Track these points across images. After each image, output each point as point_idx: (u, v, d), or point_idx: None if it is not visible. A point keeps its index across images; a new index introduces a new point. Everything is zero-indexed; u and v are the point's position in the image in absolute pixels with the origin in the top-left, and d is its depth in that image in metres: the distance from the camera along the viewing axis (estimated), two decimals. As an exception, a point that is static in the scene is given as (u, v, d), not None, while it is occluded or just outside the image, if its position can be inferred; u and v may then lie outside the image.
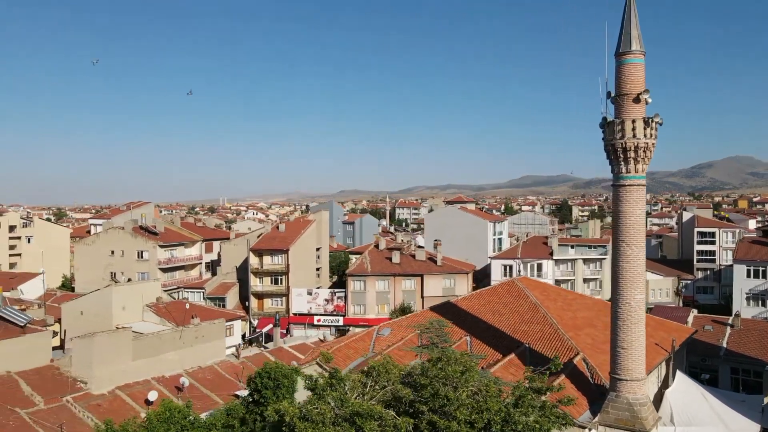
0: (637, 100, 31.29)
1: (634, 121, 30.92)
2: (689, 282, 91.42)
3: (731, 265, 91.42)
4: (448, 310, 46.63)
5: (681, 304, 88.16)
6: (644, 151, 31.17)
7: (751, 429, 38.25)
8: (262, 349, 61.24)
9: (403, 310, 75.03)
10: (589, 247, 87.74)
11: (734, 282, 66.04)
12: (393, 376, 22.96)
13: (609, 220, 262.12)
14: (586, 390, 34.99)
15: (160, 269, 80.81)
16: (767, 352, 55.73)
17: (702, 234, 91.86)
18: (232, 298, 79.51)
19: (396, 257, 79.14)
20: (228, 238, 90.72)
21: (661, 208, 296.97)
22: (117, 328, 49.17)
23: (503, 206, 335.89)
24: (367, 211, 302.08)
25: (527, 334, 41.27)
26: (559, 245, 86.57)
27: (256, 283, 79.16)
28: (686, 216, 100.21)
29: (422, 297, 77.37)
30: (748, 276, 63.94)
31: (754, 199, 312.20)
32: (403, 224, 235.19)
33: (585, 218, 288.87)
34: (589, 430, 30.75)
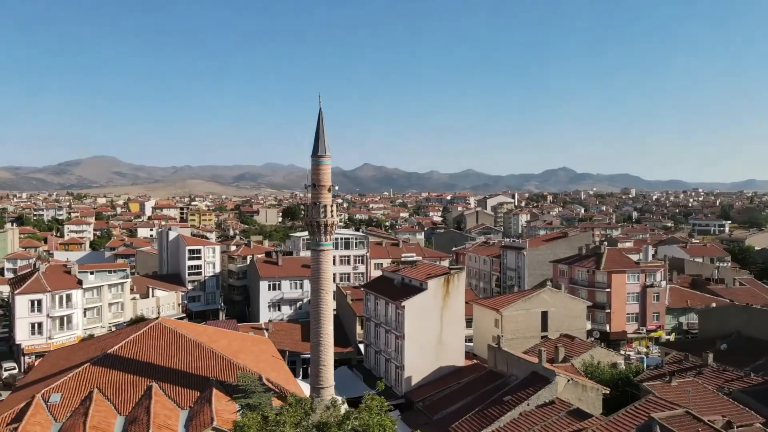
0: (329, 190, 44.66)
1: (332, 206, 44.25)
2: (183, 293, 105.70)
3: (214, 276, 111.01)
4: (116, 361, 47.52)
5: (183, 314, 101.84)
6: (334, 227, 44.81)
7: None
8: None
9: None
10: (110, 272, 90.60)
11: (260, 294, 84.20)
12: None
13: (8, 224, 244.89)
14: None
15: None
16: (298, 344, 75.97)
17: (192, 251, 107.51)
18: None
19: None
20: None
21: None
22: None
23: None
24: None
25: (207, 369, 48.06)
26: (79, 272, 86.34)
27: None
28: (172, 235, 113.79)
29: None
30: (269, 289, 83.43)
31: (148, 203, 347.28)
32: None
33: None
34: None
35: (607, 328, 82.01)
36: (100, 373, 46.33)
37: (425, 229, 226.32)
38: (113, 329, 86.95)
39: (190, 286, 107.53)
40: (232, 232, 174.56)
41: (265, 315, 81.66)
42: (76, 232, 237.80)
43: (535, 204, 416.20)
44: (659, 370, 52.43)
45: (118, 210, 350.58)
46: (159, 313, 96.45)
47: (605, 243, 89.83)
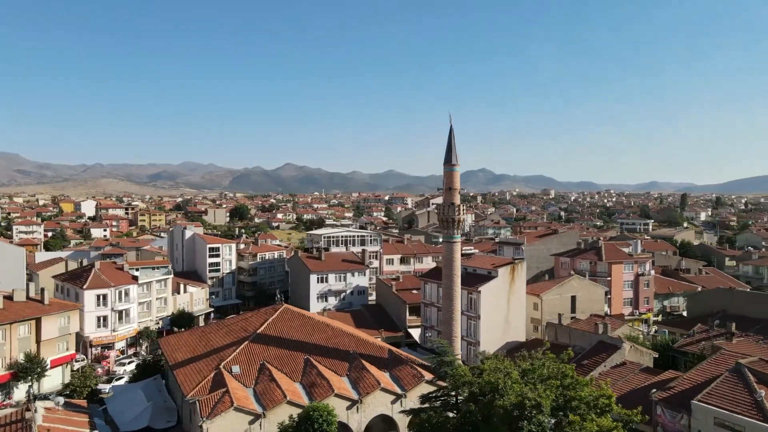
0: (459, 192, 54.19)
1: (461, 205, 53.77)
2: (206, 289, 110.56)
3: (231, 273, 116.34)
4: (267, 339, 54.82)
5: (211, 308, 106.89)
6: (462, 223, 54.37)
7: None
8: None
9: (31, 359, 66.33)
10: (153, 268, 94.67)
11: (310, 287, 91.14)
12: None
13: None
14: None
15: None
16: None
17: (212, 249, 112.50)
18: None
19: (-2, 302, 67.09)
20: None
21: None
22: None
23: None
24: None
25: (344, 344, 56.27)
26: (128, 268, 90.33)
27: None
28: (187, 234, 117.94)
29: (38, 342, 69.15)
30: (317, 282, 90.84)
31: (85, 203, 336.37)
32: None
33: None
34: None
35: (608, 311, 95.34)
36: (260, 349, 53.59)
37: (377, 228, 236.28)
38: (160, 322, 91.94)
39: (209, 283, 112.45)
40: (241, 234, 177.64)
41: (314, 306, 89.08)
42: (27, 233, 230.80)
43: (469, 204, 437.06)
44: (692, 338, 65.40)
45: (51, 210, 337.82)
46: (192, 307, 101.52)
47: (601, 238, 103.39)
